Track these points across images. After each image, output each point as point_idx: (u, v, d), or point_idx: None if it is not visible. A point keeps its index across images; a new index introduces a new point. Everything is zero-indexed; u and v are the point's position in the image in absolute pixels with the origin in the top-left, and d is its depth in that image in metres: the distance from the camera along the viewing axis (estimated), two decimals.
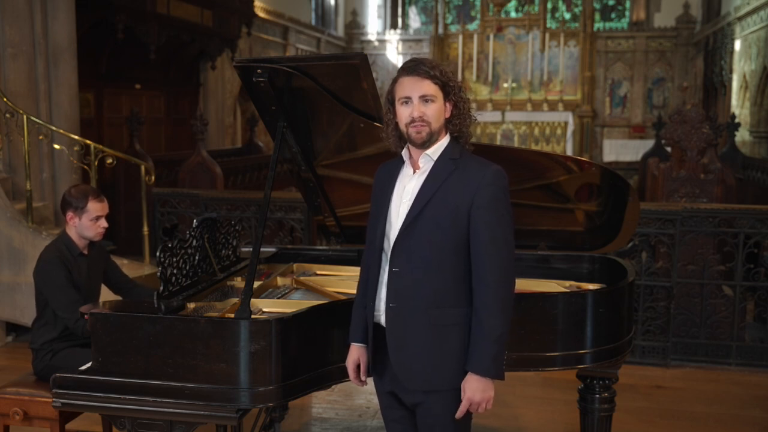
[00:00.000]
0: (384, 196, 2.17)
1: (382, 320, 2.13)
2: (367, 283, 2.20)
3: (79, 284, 2.99)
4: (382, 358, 2.15)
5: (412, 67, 2.08)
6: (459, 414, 2.05)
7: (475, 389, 2.02)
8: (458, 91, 2.12)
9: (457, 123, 2.13)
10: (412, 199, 2.09)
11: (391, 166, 2.23)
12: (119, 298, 3.19)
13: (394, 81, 2.13)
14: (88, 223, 3.00)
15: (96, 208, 3.00)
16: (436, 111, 2.08)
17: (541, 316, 2.61)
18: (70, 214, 3.01)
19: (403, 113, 2.08)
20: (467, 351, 2.05)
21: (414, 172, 2.14)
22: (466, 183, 2.05)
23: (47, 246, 3.03)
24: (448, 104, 2.11)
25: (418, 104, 2.06)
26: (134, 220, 6.71)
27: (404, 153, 2.17)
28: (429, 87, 2.06)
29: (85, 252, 3.07)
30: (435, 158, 2.11)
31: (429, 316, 2.04)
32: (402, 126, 2.10)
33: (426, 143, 2.09)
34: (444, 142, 2.13)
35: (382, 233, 2.13)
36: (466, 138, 2.17)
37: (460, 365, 2.07)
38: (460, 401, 2.12)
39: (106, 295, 3.26)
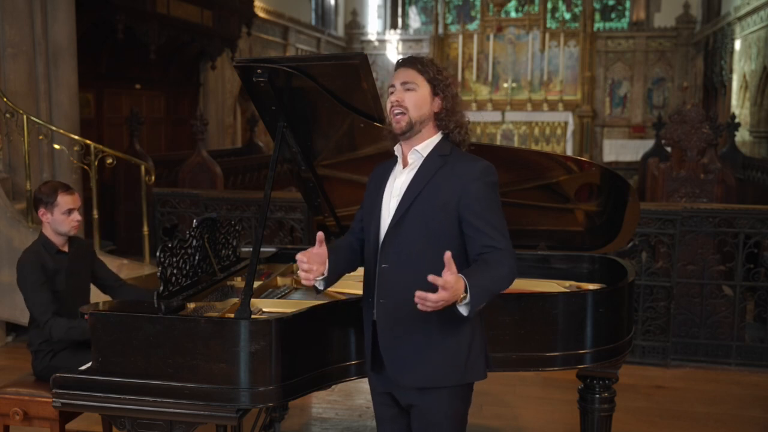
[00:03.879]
0: (377, 193, 2.18)
1: (377, 317, 2.13)
2: (365, 277, 2.20)
3: (58, 283, 2.96)
4: (379, 355, 2.14)
5: (402, 60, 2.14)
6: (419, 295, 1.78)
7: (454, 287, 1.80)
8: (447, 87, 2.12)
9: (446, 119, 2.13)
10: (401, 195, 2.09)
11: (386, 165, 2.24)
12: (108, 298, 3.17)
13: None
14: (60, 217, 2.97)
15: (66, 200, 2.98)
16: (416, 99, 2.08)
17: (541, 316, 2.61)
18: (41, 210, 2.99)
19: (388, 102, 2.12)
20: (459, 341, 2.05)
21: (404, 168, 2.15)
22: (454, 178, 2.05)
23: (26, 248, 3.01)
24: (436, 99, 2.11)
25: (400, 89, 2.08)
26: (134, 220, 6.72)
27: (397, 149, 2.18)
28: (413, 76, 2.08)
29: (65, 249, 3.05)
30: (425, 154, 2.11)
31: (420, 312, 2.02)
32: (389, 116, 2.12)
33: (405, 133, 2.09)
34: (435, 138, 2.14)
35: (377, 229, 2.13)
36: (463, 138, 2.16)
37: (452, 362, 2.06)
38: (454, 400, 2.11)
39: (100, 296, 3.25)
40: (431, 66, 2.10)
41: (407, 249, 2.05)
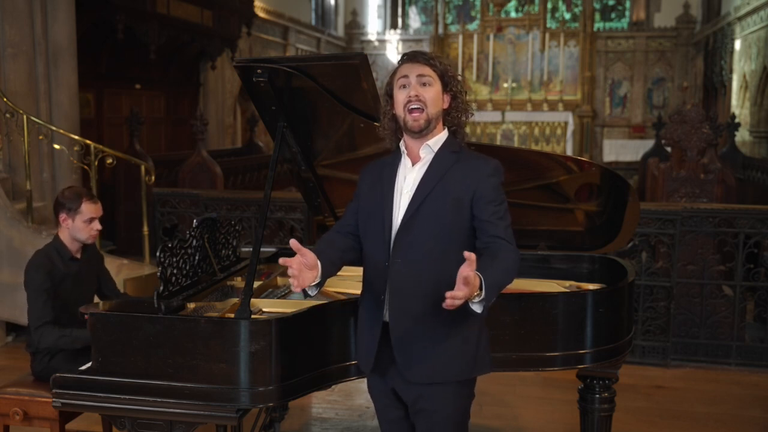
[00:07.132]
0: (381, 190, 2.15)
1: (387, 315, 2.12)
2: (371, 275, 2.18)
3: (63, 290, 2.95)
4: (388, 355, 2.13)
5: (411, 56, 2.10)
6: (450, 294, 1.74)
7: (474, 284, 1.79)
8: (456, 83, 2.12)
9: (455, 116, 2.13)
10: (413, 191, 2.09)
11: (383, 162, 2.22)
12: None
13: (393, 72, 2.13)
14: (81, 225, 2.96)
15: (90, 209, 2.96)
16: (434, 95, 2.07)
17: (541, 316, 2.61)
18: (63, 216, 2.97)
19: (401, 96, 2.08)
20: (469, 335, 2.06)
21: (413, 164, 2.14)
22: (467, 174, 2.06)
23: (38, 250, 2.99)
24: (446, 96, 2.11)
25: (416, 84, 2.05)
26: (134, 220, 6.72)
27: (401, 145, 2.17)
28: (428, 71, 2.06)
29: (78, 256, 3.04)
30: (436, 150, 2.11)
31: (433, 307, 2.02)
32: (400, 111, 2.09)
33: (423, 131, 2.08)
34: (443, 135, 2.14)
35: (388, 225, 2.11)
36: (463, 135, 2.18)
37: (463, 357, 2.07)
38: (460, 394, 2.12)
39: None
40: (441, 63, 2.09)
41: (420, 244, 2.05)
